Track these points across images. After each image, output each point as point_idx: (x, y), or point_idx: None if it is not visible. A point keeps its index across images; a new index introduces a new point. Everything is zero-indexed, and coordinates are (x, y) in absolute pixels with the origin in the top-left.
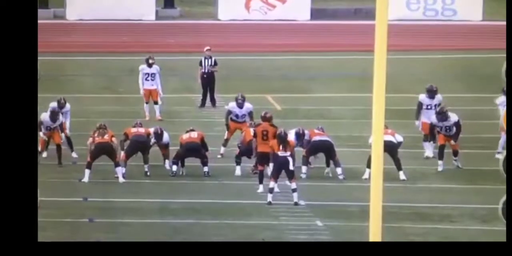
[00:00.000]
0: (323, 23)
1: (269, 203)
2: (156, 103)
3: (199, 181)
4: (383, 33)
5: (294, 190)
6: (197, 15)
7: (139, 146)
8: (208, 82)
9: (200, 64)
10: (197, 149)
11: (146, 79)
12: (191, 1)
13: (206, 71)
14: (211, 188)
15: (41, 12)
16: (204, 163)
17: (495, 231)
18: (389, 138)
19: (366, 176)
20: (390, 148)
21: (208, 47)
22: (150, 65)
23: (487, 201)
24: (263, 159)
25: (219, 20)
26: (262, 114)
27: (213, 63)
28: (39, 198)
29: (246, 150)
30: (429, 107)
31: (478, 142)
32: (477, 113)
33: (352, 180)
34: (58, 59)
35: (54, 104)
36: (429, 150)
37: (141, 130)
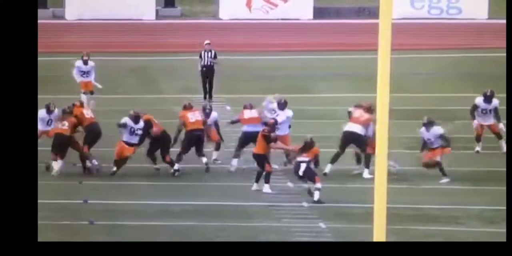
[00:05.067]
0: (326, 22)
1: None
2: (92, 93)
3: (200, 182)
4: (387, 32)
5: (316, 189)
6: (198, 14)
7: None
8: (208, 75)
9: (200, 56)
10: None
11: (81, 76)
12: (191, 0)
13: (206, 63)
14: (213, 189)
15: (40, 12)
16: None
17: (503, 233)
18: (355, 128)
19: (356, 172)
20: (354, 140)
21: (208, 41)
22: (85, 62)
23: (494, 202)
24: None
25: (220, 19)
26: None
27: (213, 56)
28: (39, 200)
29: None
30: (484, 112)
31: (483, 143)
32: None
33: (355, 182)
34: (57, 59)
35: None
36: (479, 147)
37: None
